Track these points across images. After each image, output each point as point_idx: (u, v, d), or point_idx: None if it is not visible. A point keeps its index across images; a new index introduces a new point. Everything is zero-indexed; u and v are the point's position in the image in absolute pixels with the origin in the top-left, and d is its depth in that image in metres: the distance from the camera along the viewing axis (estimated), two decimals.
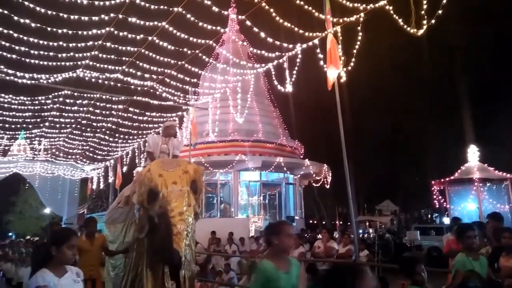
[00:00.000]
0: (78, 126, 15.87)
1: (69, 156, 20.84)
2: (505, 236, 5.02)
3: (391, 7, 7.19)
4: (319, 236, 10.70)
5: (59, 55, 9.66)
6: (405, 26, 7.04)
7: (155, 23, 8.74)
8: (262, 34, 9.35)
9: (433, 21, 6.86)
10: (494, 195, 17.10)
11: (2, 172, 21.55)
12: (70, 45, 9.26)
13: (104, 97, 12.61)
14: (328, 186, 21.07)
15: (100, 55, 9.98)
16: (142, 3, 8.18)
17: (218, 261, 11.59)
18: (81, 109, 13.79)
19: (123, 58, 10.28)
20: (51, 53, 9.45)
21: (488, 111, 25.70)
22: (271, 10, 8.44)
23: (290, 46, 9.45)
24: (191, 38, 9.48)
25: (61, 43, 9.14)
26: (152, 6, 8.23)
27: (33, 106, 13.11)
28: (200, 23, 8.93)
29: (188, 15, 8.53)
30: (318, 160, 20.08)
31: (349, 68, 7.66)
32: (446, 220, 24.55)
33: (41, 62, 9.83)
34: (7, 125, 14.77)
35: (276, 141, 19.46)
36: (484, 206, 16.59)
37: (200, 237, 12.00)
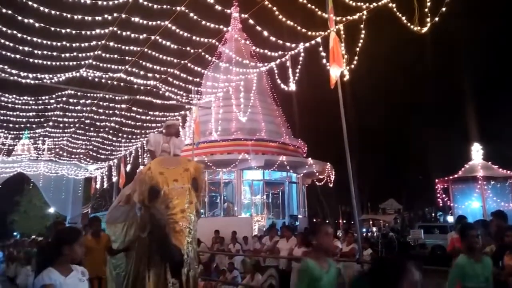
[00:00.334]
0: (82, 125, 15.93)
1: (73, 156, 20.92)
2: (509, 234, 5.00)
3: (394, 5, 7.16)
4: None
5: (63, 55, 9.70)
6: (409, 24, 7.01)
7: (158, 22, 8.76)
8: (265, 33, 9.34)
9: (436, 18, 6.83)
10: (498, 193, 17.04)
11: (7, 172, 21.65)
12: (74, 45, 9.29)
13: (107, 96, 12.65)
14: (331, 185, 21.03)
15: (103, 54, 10.01)
16: (145, 3, 8.20)
17: (222, 260, 11.62)
18: (84, 108, 13.84)
19: (126, 58, 10.31)
20: (54, 53, 9.49)
21: (492, 109, 25.59)
22: (274, 8, 8.43)
23: (293, 44, 9.44)
24: (193, 37, 9.49)
25: (64, 43, 9.18)
26: (155, 6, 8.24)
27: (37, 106, 13.17)
28: (203, 22, 8.94)
29: (191, 14, 8.54)
30: (321, 158, 20.04)
31: (352, 66, 7.63)
32: (450, 219, 24.51)
33: (45, 62, 9.88)
34: (11, 125, 14.85)
35: (279, 140, 19.44)
36: (488, 204, 16.53)
37: (203, 236, 12.05)
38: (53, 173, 22.41)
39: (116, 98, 12.95)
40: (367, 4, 7.55)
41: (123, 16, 8.32)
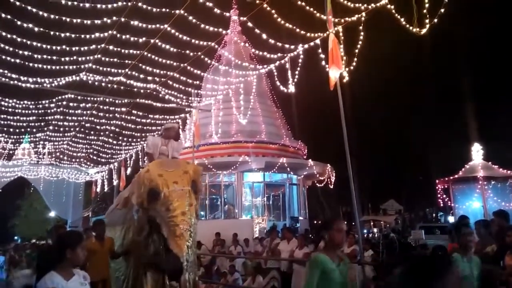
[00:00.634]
0: (82, 129, 15.95)
1: (73, 160, 20.93)
2: (509, 234, 5.00)
3: (392, 7, 7.18)
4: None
5: (62, 59, 9.72)
6: (407, 25, 7.03)
7: (157, 25, 8.78)
8: (264, 35, 9.36)
9: (435, 19, 6.85)
10: (498, 193, 17.03)
11: (7, 176, 21.66)
12: (73, 49, 9.30)
13: (107, 100, 12.66)
14: (331, 186, 21.03)
15: (103, 58, 10.03)
16: (144, 6, 8.21)
17: (223, 262, 11.60)
18: (84, 112, 13.86)
19: (126, 61, 10.33)
20: (54, 57, 9.51)
21: (492, 109, 25.59)
22: (273, 11, 8.45)
23: (292, 46, 9.46)
24: (193, 40, 9.50)
25: (64, 47, 9.19)
26: (154, 9, 8.26)
27: (37, 110, 13.19)
28: (202, 25, 8.95)
29: (190, 18, 8.55)
30: (322, 160, 20.05)
31: (351, 68, 7.65)
32: (451, 219, 24.46)
33: (45, 66, 9.89)
34: (11, 129, 14.87)
35: (279, 142, 19.45)
36: (488, 204, 16.51)
37: (204, 238, 12.04)
38: (53, 177, 22.42)
39: (116, 101, 12.97)
40: (366, 6, 7.57)
41: (122, 19, 8.34)
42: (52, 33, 8.47)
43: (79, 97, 12.33)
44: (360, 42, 7.78)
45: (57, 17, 8.07)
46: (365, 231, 27.37)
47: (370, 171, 28.17)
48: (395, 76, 27.82)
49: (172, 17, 8.45)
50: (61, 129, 15.68)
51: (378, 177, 29.70)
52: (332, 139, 15.65)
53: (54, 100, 12.55)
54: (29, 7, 7.80)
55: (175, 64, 10.58)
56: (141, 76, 11.08)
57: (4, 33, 8.36)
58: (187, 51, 10.06)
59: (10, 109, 12.77)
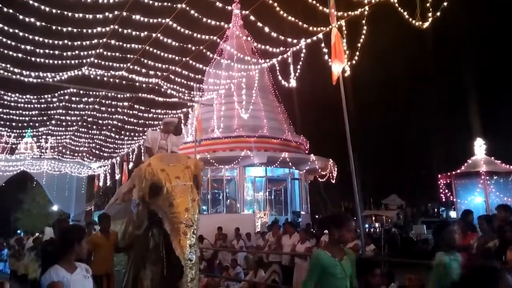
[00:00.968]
0: (84, 123, 15.98)
1: (76, 154, 20.99)
2: (507, 229, 5.00)
3: (395, 0, 7.13)
4: (326, 231, 10.70)
5: (64, 54, 9.72)
6: (410, 19, 6.99)
7: (159, 20, 8.75)
8: (266, 29, 9.32)
9: (438, 13, 6.80)
10: (501, 188, 16.97)
11: (10, 170, 21.75)
12: (75, 43, 9.30)
13: (109, 94, 12.66)
14: (333, 181, 21.02)
15: (105, 52, 10.02)
16: (146, 0, 8.19)
17: (225, 256, 11.66)
18: (87, 107, 13.88)
19: (128, 56, 10.31)
20: (56, 52, 9.51)
21: (495, 103, 25.49)
22: (275, 4, 8.41)
23: (295, 41, 9.42)
24: (195, 34, 9.47)
25: (66, 41, 9.18)
26: (156, 3, 8.24)
27: (39, 104, 13.21)
28: (204, 19, 8.92)
29: (192, 12, 8.52)
30: (324, 155, 20.03)
31: (354, 62, 7.62)
32: (453, 214, 24.45)
33: (47, 61, 9.90)
34: (14, 124, 14.91)
35: (281, 137, 19.42)
36: (491, 200, 16.47)
37: (206, 233, 12.08)
38: (56, 171, 22.50)
39: (118, 96, 12.97)
40: (369, 0, 7.52)
41: (124, 14, 8.32)
42: (54, 27, 8.46)
43: (81, 92, 12.33)
44: (363, 36, 7.74)
45: (59, 11, 8.06)
46: (366, 225, 27.43)
47: (372, 166, 28.15)
48: (397, 71, 27.71)
49: (174, 11, 8.42)
50: (64, 123, 15.71)
51: (380, 171, 29.67)
52: (334, 133, 15.64)
53: (56, 94, 12.57)
54: (31, 1, 7.79)
55: (177, 58, 10.56)
56: (143, 70, 11.08)
57: (6, 27, 8.36)
58: (189, 45, 10.04)
59: (12, 103, 12.80)
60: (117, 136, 17.62)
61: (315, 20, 8.56)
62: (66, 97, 12.77)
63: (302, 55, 9.40)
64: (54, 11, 7.99)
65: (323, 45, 8.35)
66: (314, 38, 8.80)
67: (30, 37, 8.73)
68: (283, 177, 20.49)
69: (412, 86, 28.83)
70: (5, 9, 7.82)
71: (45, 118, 14.84)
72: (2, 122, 14.90)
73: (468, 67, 24.88)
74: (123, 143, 18.50)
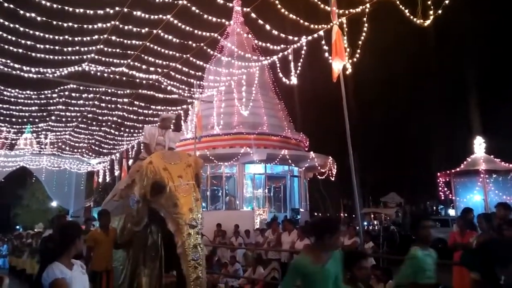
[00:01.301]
0: (84, 119, 15.96)
1: (75, 150, 20.99)
2: (505, 228, 5.01)
3: None
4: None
5: (65, 49, 9.70)
6: (412, 17, 6.98)
7: (160, 16, 8.74)
8: (267, 26, 9.30)
9: (439, 11, 6.79)
10: (500, 186, 17.02)
11: (9, 166, 21.74)
12: (76, 39, 9.29)
13: (109, 90, 12.66)
14: (333, 179, 21.04)
15: (106, 49, 10.01)
16: None
17: (224, 253, 11.68)
18: (86, 103, 13.87)
19: (128, 52, 10.31)
20: (56, 47, 9.49)
21: (495, 102, 25.50)
22: (276, 2, 8.39)
23: (295, 38, 9.40)
24: (195, 31, 9.46)
25: (66, 37, 9.17)
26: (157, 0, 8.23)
27: (39, 100, 13.19)
28: (205, 16, 8.91)
29: (193, 8, 8.51)
30: (323, 152, 20.03)
31: (355, 60, 7.61)
32: (452, 212, 24.50)
33: (47, 56, 9.88)
34: (13, 119, 14.89)
35: (281, 134, 19.42)
36: (490, 198, 16.52)
37: (205, 229, 12.04)
38: (55, 167, 22.50)
39: (118, 92, 12.96)
40: None
41: (125, 10, 8.31)
42: (54, 23, 8.45)
43: (81, 88, 12.33)
44: (364, 34, 7.73)
45: (59, 6, 8.04)
46: (365, 223, 27.46)
47: (371, 164, 28.19)
48: (398, 69, 27.71)
49: (175, 8, 8.41)
50: (63, 119, 15.71)
51: (379, 169, 29.71)
52: (334, 131, 15.66)
53: (56, 90, 12.55)
54: None
55: (178, 55, 10.55)
56: (144, 66, 11.07)
57: (7, 23, 8.34)
58: (190, 42, 10.02)
59: (12, 99, 12.78)
60: (116, 133, 17.61)
61: (316, 18, 8.55)
62: (66, 93, 12.76)
63: (303, 52, 9.39)
64: (55, 6, 7.98)
65: (323, 42, 8.33)
66: (315, 35, 8.78)
67: (31, 32, 8.71)
68: (282, 174, 20.49)
69: (412, 84, 28.89)
70: (6, 4, 7.80)
71: (44, 113, 14.84)
72: (2, 118, 14.91)
73: (468, 65, 24.91)
74: (122, 140, 18.50)
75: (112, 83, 11.94)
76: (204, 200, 18.21)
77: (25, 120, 15.31)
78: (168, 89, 12.67)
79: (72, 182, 24.85)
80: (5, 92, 12.18)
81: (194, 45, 10.08)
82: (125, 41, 9.68)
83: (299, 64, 9.47)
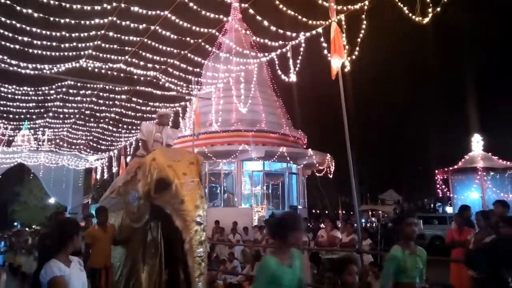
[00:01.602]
0: (82, 116, 15.92)
1: (73, 146, 20.94)
2: (502, 226, 5.01)
3: None
4: (322, 225, 10.75)
5: (62, 45, 9.65)
6: (410, 14, 6.96)
7: (158, 12, 8.69)
8: (265, 23, 9.27)
9: (438, 8, 6.78)
10: (497, 184, 17.08)
11: (7, 163, 21.69)
12: (73, 35, 9.23)
13: (107, 87, 12.60)
14: (331, 176, 21.08)
15: (103, 45, 9.95)
16: None
17: (222, 250, 11.70)
18: (84, 99, 13.82)
19: (126, 48, 10.25)
20: (54, 43, 9.44)
21: (493, 100, 25.55)
22: None
23: (294, 35, 9.37)
24: (193, 27, 9.41)
25: (64, 33, 9.11)
26: None
27: (37, 96, 13.14)
28: (203, 12, 8.86)
29: (191, 4, 8.47)
30: (321, 149, 20.06)
31: (353, 57, 7.59)
32: (449, 209, 24.57)
33: (44, 52, 9.82)
34: (11, 116, 14.84)
35: (279, 131, 19.43)
36: (487, 195, 16.58)
37: None
38: (53, 163, 22.45)
39: (116, 88, 12.91)
40: None
41: (123, 5, 8.26)
42: (52, 18, 8.40)
43: (79, 84, 12.28)
44: (362, 31, 7.70)
45: (57, 2, 7.99)
46: (363, 220, 27.52)
47: (370, 161, 28.22)
48: (396, 66, 27.73)
49: (173, 3, 8.36)
50: (61, 115, 15.65)
51: (377, 167, 29.78)
52: (332, 128, 15.65)
53: (54, 86, 12.50)
54: None
55: (176, 51, 10.50)
56: (141, 63, 11.02)
57: (3, 19, 8.28)
58: (188, 38, 9.98)
59: (9, 95, 12.73)
60: (114, 129, 17.57)
61: (314, 14, 8.51)
62: (64, 89, 12.71)
63: (301, 49, 9.35)
64: (52, 2, 7.93)
65: (322, 39, 8.30)
66: (314, 32, 8.74)
67: (28, 28, 8.65)
68: (280, 172, 20.51)
69: (411, 82, 28.88)
70: (2, 0, 7.74)
71: (42, 110, 14.79)
72: None
73: (467, 63, 24.91)
74: (120, 136, 18.46)
75: (110, 79, 11.89)
76: None
77: (22, 116, 15.27)
78: (166, 86, 12.63)
79: (70, 179, 24.80)
80: (2, 89, 12.12)
81: (192, 41, 10.03)
82: (123, 37, 9.63)
83: (298, 61, 9.44)
